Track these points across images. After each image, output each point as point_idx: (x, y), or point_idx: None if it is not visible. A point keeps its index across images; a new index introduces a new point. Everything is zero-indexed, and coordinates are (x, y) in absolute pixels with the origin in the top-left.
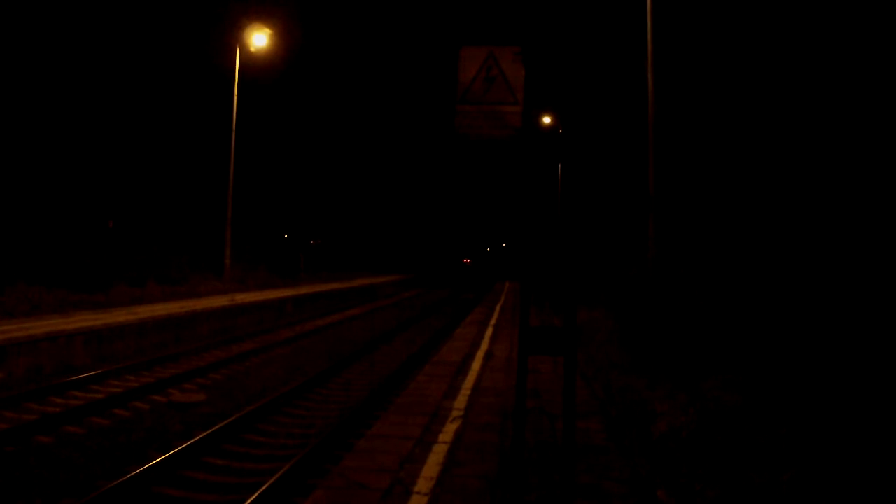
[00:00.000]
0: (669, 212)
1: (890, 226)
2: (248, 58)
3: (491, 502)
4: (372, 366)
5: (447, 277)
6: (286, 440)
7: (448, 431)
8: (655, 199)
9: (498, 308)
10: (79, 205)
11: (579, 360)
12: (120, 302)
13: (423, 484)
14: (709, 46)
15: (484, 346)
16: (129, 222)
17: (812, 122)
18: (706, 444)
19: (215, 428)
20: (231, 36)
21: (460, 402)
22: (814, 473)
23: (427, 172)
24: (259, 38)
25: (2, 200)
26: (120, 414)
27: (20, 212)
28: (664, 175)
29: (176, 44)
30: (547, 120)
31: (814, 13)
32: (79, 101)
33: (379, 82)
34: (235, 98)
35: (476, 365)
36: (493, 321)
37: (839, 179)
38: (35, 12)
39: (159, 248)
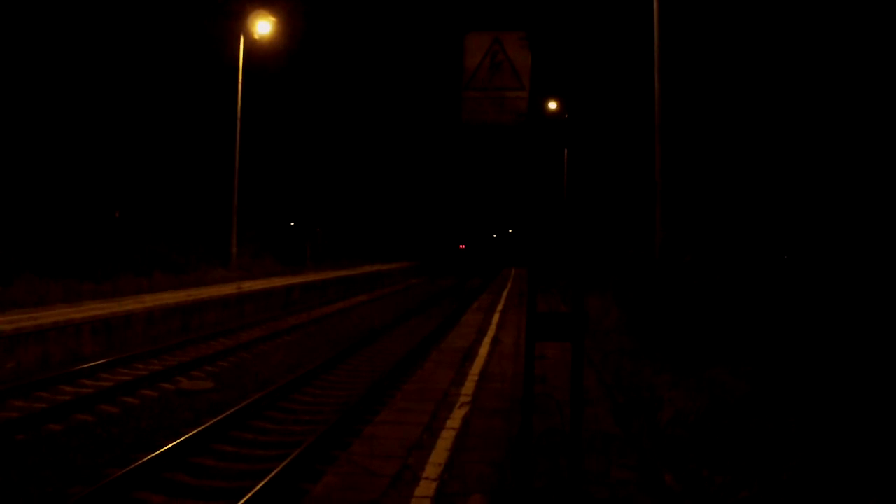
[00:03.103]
0: (676, 197)
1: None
2: (252, 46)
3: (499, 488)
4: (379, 353)
5: (453, 264)
6: (294, 426)
7: (456, 418)
8: (662, 185)
9: (504, 294)
10: (85, 195)
11: (586, 346)
12: (127, 291)
13: (432, 470)
14: (720, 31)
15: (491, 332)
16: (136, 212)
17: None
18: (713, 431)
19: (223, 415)
20: (235, 24)
21: (468, 388)
22: (821, 462)
23: (433, 159)
24: (263, 26)
25: (8, 192)
26: (129, 402)
27: (27, 203)
28: (671, 160)
29: (181, 33)
30: (553, 105)
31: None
32: (83, 92)
33: (383, 70)
34: (240, 86)
35: (483, 351)
36: (499, 307)
37: (849, 172)
38: (39, 4)
39: (165, 237)
